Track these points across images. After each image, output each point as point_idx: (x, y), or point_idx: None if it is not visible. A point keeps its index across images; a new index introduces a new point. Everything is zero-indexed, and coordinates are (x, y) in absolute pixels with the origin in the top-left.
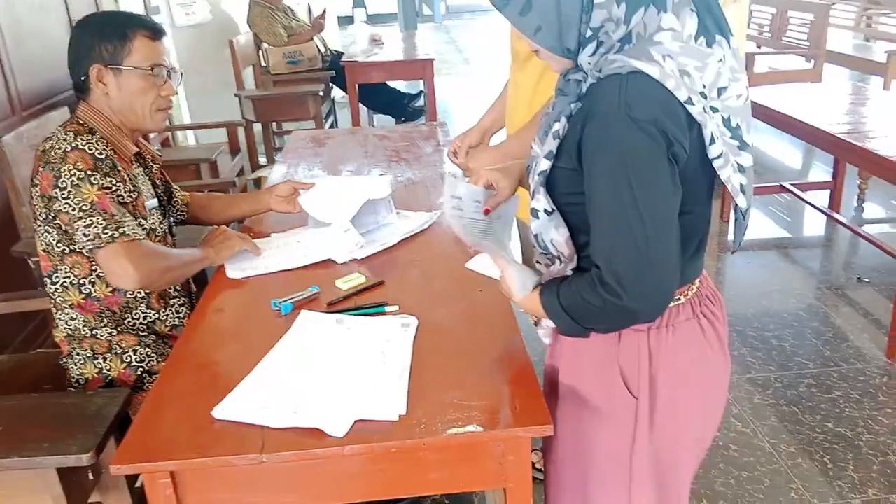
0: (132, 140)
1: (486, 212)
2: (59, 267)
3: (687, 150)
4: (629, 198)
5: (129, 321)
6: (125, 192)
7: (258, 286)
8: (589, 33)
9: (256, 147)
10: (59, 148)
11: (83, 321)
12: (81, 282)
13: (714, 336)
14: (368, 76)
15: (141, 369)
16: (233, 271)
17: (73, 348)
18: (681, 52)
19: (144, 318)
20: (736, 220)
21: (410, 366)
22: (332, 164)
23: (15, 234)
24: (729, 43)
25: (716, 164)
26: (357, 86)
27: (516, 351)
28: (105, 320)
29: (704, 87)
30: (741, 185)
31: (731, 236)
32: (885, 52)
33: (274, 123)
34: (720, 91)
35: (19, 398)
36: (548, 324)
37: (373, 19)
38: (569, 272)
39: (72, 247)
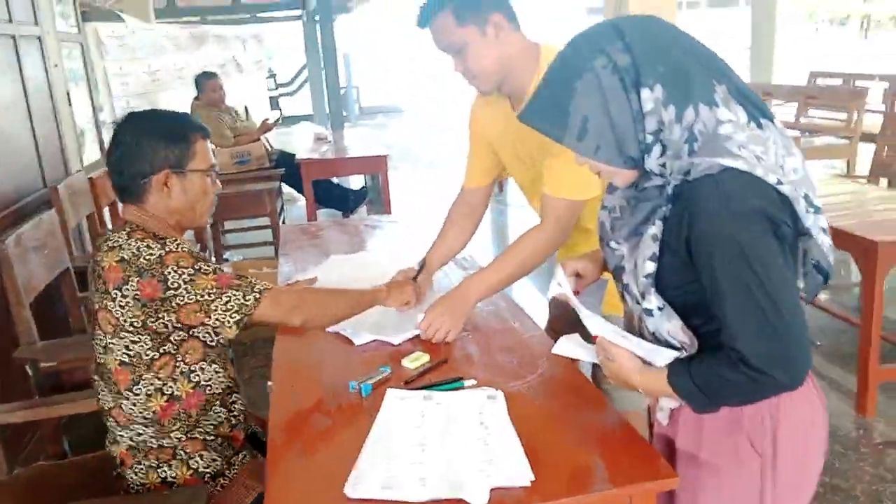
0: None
1: (577, 293)
2: (143, 376)
3: (790, 226)
4: (756, 284)
5: (202, 424)
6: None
7: (318, 367)
8: (649, 139)
9: (207, 245)
10: (153, 255)
11: (153, 432)
12: (165, 382)
13: (814, 386)
14: (325, 172)
15: (207, 474)
16: (358, 338)
17: (138, 460)
18: (748, 140)
19: (216, 418)
20: (807, 273)
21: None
22: (346, 252)
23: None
24: (773, 123)
25: (812, 231)
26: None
27: (610, 412)
28: (178, 424)
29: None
30: (829, 244)
31: None
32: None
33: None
34: (781, 168)
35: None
36: (667, 404)
37: (288, 121)
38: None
39: (163, 349)
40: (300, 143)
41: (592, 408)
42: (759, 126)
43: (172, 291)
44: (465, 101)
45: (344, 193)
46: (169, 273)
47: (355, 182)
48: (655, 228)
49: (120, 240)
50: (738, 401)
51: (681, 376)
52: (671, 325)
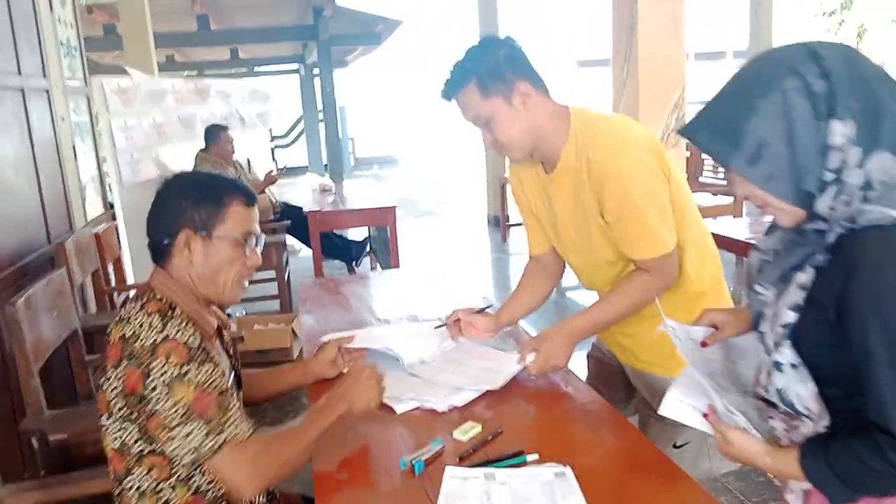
0: (210, 312)
1: (704, 344)
2: (133, 469)
3: None
4: None
5: None
6: (219, 377)
7: (360, 441)
8: (829, 177)
9: None
10: (148, 340)
11: None
12: (159, 486)
13: None
14: (332, 224)
15: None
16: (399, 404)
17: None
18: None
19: None
20: None
21: None
22: (371, 310)
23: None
24: None
25: None
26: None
27: (687, 483)
28: None
29: None
30: None
31: None
32: None
33: None
34: None
35: None
36: (799, 486)
37: (289, 173)
38: (821, 430)
39: (153, 446)
40: (303, 194)
41: (667, 479)
42: None
43: (150, 392)
44: (460, 150)
45: (347, 245)
46: (154, 367)
47: (354, 233)
48: (805, 276)
49: (132, 311)
50: (877, 491)
51: (815, 460)
52: (803, 389)
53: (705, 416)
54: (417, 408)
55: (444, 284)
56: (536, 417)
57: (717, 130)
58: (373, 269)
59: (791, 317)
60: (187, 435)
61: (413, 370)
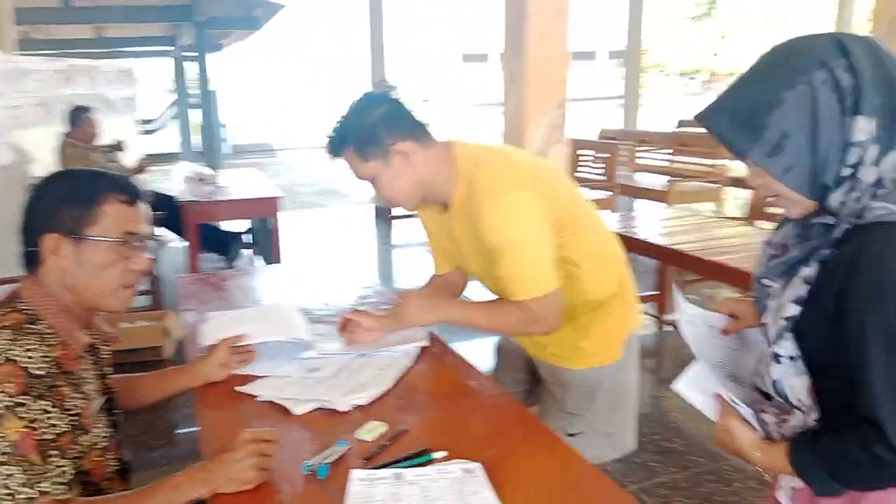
0: (85, 324)
1: (725, 332)
2: None
3: None
4: None
5: None
6: (65, 411)
7: None
8: (846, 172)
9: None
10: None
11: None
12: None
13: None
14: (210, 216)
15: None
16: (297, 406)
17: None
18: None
19: None
20: None
21: None
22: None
23: None
24: None
25: None
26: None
27: (591, 472)
28: None
29: None
30: None
31: None
32: (668, 180)
33: None
34: None
35: None
36: (789, 483)
37: (162, 160)
38: (810, 423)
39: None
40: (175, 183)
41: (569, 467)
42: None
43: None
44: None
45: (224, 237)
46: None
47: (231, 225)
48: (810, 270)
49: None
50: (862, 486)
51: (804, 453)
52: (798, 382)
53: (718, 396)
54: (317, 408)
55: (331, 278)
56: (442, 414)
57: (740, 120)
58: (252, 262)
59: (794, 310)
60: (7, 476)
61: (311, 368)
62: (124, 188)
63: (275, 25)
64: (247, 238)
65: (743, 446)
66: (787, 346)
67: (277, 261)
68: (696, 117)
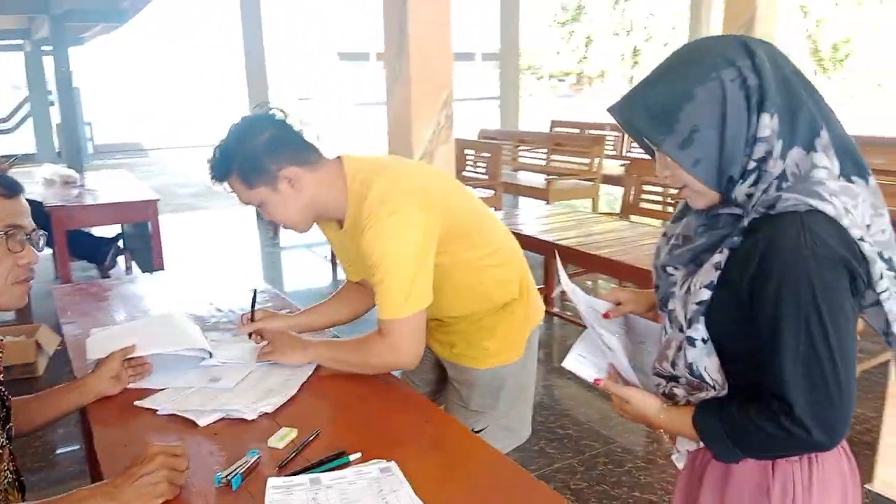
0: None
1: (606, 316)
2: None
3: (865, 284)
4: (820, 334)
5: None
6: None
7: None
8: (752, 165)
9: None
10: None
11: None
12: None
13: (847, 453)
14: (82, 221)
15: None
16: (201, 417)
17: None
18: (840, 190)
19: None
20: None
21: None
22: (146, 315)
23: None
24: (867, 181)
25: (882, 297)
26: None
27: (500, 459)
28: None
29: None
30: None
31: None
32: (546, 179)
33: None
34: (867, 228)
35: None
36: (685, 446)
37: (22, 160)
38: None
39: None
40: (35, 186)
41: (488, 460)
42: (849, 181)
43: None
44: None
45: (97, 244)
46: None
47: (101, 230)
48: (720, 256)
49: None
50: (764, 454)
51: (709, 417)
52: (709, 362)
53: (596, 382)
54: (223, 418)
55: (218, 283)
56: (352, 416)
57: (654, 112)
58: (128, 270)
59: (706, 294)
60: None
61: (213, 378)
62: (2, 182)
63: (144, 19)
64: (118, 244)
65: (647, 412)
66: (701, 330)
67: (158, 267)
68: (609, 109)
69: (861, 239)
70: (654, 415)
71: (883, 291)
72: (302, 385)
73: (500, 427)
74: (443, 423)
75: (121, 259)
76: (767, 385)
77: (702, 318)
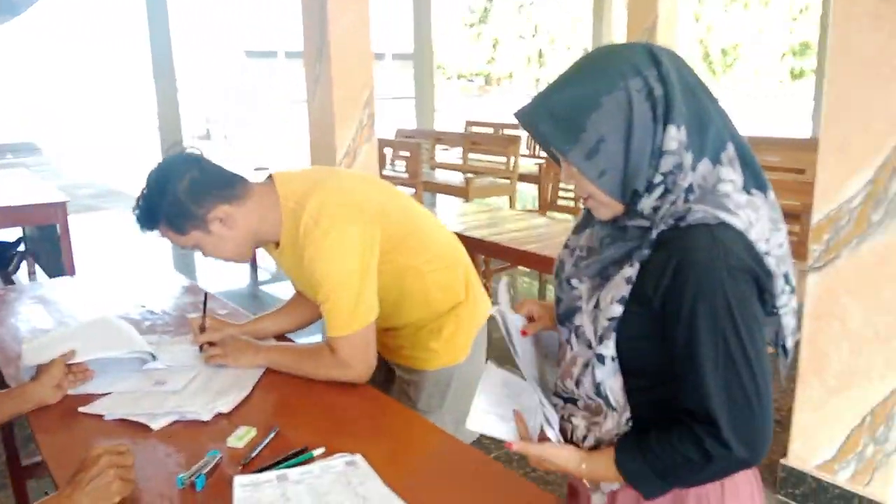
0: None
1: (524, 333)
2: None
3: (770, 297)
4: (738, 348)
5: None
6: None
7: None
8: (658, 178)
9: None
10: None
11: None
12: None
13: (755, 477)
14: None
15: None
16: (154, 420)
17: None
18: (745, 204)
19: None
20: (780, 355)
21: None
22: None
23: None
24: (766, 194)
25: (782, 311)
26: None
27: (469, 451)
28: None
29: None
30: (793, 326)
31: None
32: (465, 177)
33: None
34: (767, 242)
35: None
36: (608, 487)
37: None
38: (623, 424)
39: None
40: None
41: (448, 448)
42: (750, 194)
43: None
44: (124, 136)
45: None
46: None
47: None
48: (632, 270)
49: None
50: (691, 481)
51: (630, 456)
52: (615, 381)
53: (508, 446)
54: (176, 421)
55: (143, 285)
56: (308, 412)
57: (560, 120)
58: (31, 275)
59: (618, 310)
60: None
61: (158, 381)
62: None
63: (37, 11)
64: (19, 248)
65: (567, 466)
66: (611, 346)
67: (67, 272)
68: (515, 114)
69: (767, 253)
70: (575, 467)
71: (783, 306)
72: (255, 384)
73: (447, 424)
74: (396, 412)
75: (23, 264)
76: (685, 402)
77: (613, 335)
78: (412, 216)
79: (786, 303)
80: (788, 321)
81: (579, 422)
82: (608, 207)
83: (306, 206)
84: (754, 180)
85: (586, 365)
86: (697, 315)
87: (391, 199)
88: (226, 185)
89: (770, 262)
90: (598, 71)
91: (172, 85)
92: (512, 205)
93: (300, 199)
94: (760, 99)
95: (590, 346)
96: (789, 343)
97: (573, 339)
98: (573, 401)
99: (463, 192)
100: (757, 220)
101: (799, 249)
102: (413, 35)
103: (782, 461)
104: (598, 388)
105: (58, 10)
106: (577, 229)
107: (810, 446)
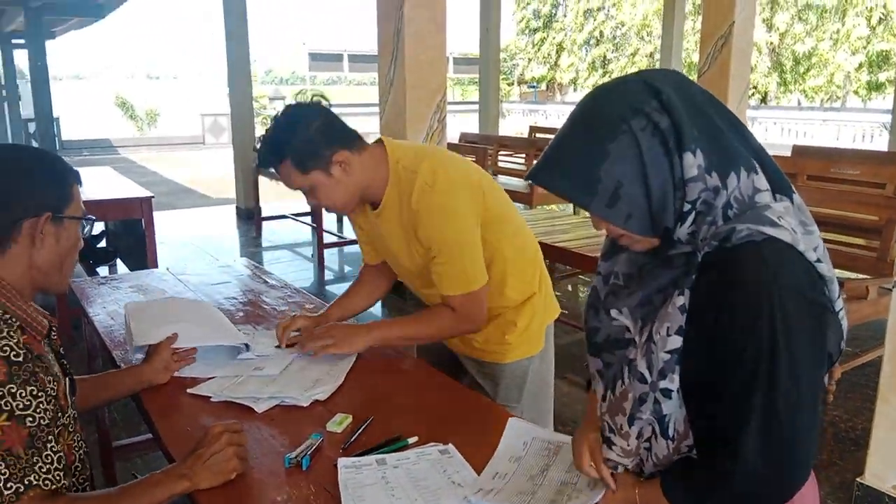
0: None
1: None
2: None
3: (832, 311)
4: (788, 374)
5: None
6: (47, 395)
7: None
8: (687, 207)
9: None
10: None
11: None
12: None
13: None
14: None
15: None
16: (258, 403)
17: None
18: (784, 211)
19: None
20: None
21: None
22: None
23: None
24: (791, 199)
25: (840, 314)
26: None
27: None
28: None
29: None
30: (847, 330)
31: None
32: (529, 183)
33: None
34: (814, 249)
35: None
36: None
37: None
38: (681, 450)
39: None
40: None
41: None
42: (775, 200)
43: None
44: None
45: (91, 240)
46: None
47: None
48: (683, 299)
49: None
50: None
51: (677, 489)
52: (680, 413)
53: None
54: (277, 405)
55: (227, 280)
56: (400, 403)
57: (573, 176)
58: (112, 268)
59: (677, 342)
60: None
61: (256, 367)
62: (72, 168)
63: (120, 14)
64: (102, 241)
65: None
66: (676, 380)
67: (150, 266)
68: (527, 177)
69: (818, 261)
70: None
71: (840, 310)
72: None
73: (524, 417)
74: (485, 407)
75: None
76: (725, 432)
77: (677, 368)
78: (505, 202)
79: (841, 306)
80: (845, 325)
81: (617, 456)
82: (644, 243)
83: (418, 170)
84: (779, 184)
85: (642, 400)
86: (749, 339)
87: (487, 180)
88: (349, 135)
89: (823, 268)
90: (596, 118)
91: (247, 86)
92: (575, 211)
93: (410, 163)
94: (835, 111)
95: (643, 381)
96: (843, 346)
97: (625, 374)
98: (609, 441)
99: (527, 199)
100: (795, 227)
101: (880, 264)
102: (479, 41)
103: (858, 479)
104: (661, 421)
105: (138, 12)
106: (606, 256)
107: (888, 465)
